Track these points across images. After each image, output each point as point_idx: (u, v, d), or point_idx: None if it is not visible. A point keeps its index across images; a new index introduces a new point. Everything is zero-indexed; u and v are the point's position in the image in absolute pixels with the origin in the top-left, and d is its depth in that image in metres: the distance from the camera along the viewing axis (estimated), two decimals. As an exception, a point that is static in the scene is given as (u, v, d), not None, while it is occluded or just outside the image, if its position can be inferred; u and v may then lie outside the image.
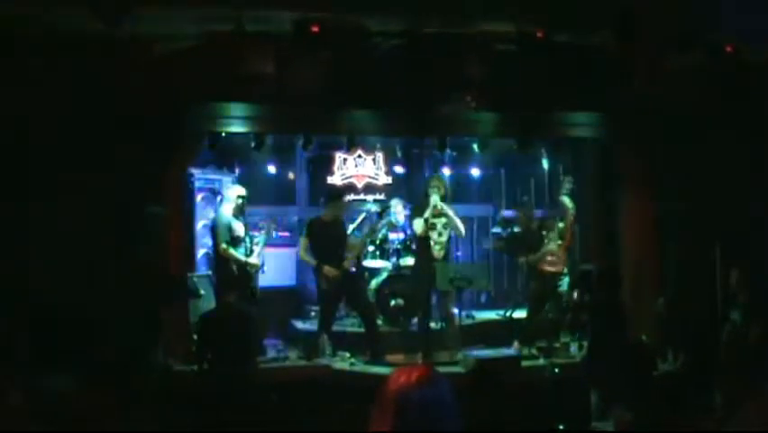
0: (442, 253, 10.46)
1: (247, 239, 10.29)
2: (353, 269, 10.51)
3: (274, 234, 10.97)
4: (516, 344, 10.50)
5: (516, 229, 11.91)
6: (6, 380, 5.42)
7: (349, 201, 11.54)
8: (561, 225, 10.47)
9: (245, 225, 10.38)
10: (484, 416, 8.16)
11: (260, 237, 10.50)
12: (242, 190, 10.44)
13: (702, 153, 10.51)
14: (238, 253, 10.09)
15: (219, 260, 10.23)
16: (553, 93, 10.13)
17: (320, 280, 10.32)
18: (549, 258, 10.50)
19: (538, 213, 12.02)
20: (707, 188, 10.45)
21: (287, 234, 12.24)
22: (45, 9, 8.29)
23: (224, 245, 10.07)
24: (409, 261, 11.63)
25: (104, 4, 7.17)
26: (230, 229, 10.15)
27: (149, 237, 9.46)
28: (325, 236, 10.34)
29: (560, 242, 10.49)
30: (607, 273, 9.00)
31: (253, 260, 10.28)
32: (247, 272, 10.14)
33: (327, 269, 10.19)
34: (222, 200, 11.01)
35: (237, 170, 12.04)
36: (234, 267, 10.08)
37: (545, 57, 9.61)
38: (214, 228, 10.33)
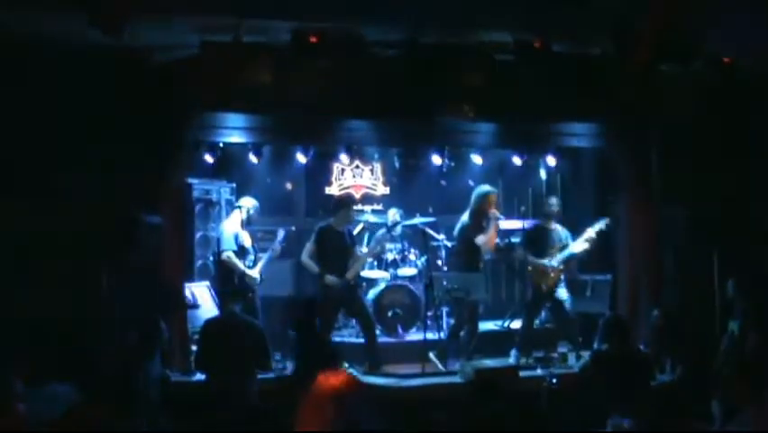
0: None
1: (252, 250, 10.33)
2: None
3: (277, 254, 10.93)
4: (514, 352, 10.51)
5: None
6: (7, 390, 5.42)
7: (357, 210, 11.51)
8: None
9: (252, 237, 10.42)
10: (482, 426, 8.15)
11: (266, 253, 10.56)
12: (254, 202, 10.51)
13: (701, 162, 10.54)
14: (242, 264, 10.11)
15: (220, 269, 10.25)
16: (551, 103, 10.14)
17: (320, 290, 10.31)
18: (547, 273, 10.55)
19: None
20: (705, 198, 10.47)
21: (284, 244, 12.20)
22: (45, 19, 8.30)
23: (228, 253, 10.09)
24: (407, 271, 11.65)
25: (103, 14, 7.17)
26: (236, 238, 10.18)
27: (146, 247, 9.45)
28: (334, 245, 10.34)
29: (554, 264, 10.54)
30: None
31: (254, 273, 10.29)
32: (247, 284, 10.13)
33: (328, 278, 10.18)
34: (226, 210, 11.06)
35: (235, 180, 12.04)
36: (235, 277, 10.09)
37: (544, 67, 9.63)
38: (218, 236, 10.37)
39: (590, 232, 10.55)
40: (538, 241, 10.72)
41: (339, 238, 10.41)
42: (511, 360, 10.33)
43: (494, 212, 10.46)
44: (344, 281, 10.27)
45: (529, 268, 10.75)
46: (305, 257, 10.53)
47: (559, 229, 10.79)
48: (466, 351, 10.33)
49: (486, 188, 10.81)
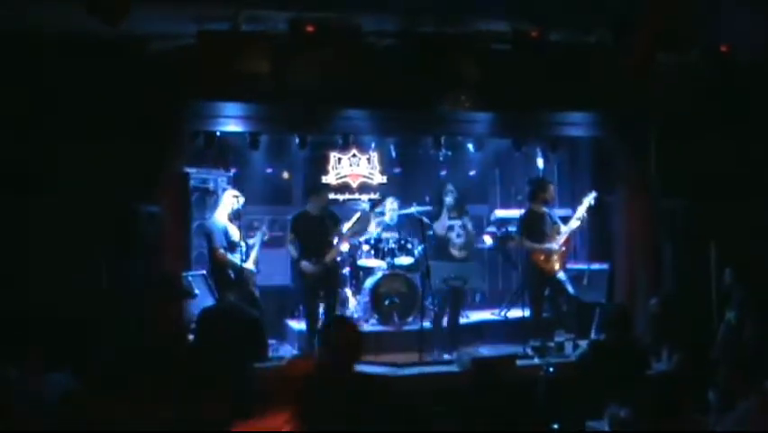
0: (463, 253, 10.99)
1: (242, 243, 10.27)
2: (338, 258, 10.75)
3: (266, 237, 10.90)
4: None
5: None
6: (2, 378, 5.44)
7: (329, 197, 11.53)
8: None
9: (240, 229, 10.35)
10: (479, 415, 8.17)
11: (255, 239, 10.51)
12: (236, 194, 10.43)
13: (698, 152, 10.54)
14: (234, 258, 10.06)
15: (215, 264, 10.22)
16: (548, 92, 10.13)
17: (297, 276, 10.38)
18: (549, 256, 10.53)
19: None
20: (703, 187, 10.47)
21: (281, 233, 12.22)
22: (41, 8, 8.28)
23: (221, 251, 10.04)
24: (404, 260, 11.65)
25: (102, 3, 7.15)
26: (226, 234, 10.12)
27: (144, 236, 9.44)
28: (309, 230, 10.38)
29: (555, 246, 10.51)
30: None
31: (249, 265, 10.25)
32: (244, 277, 10.09)
33: (303, 264, 10.21)
34: (216, 202, 11.01)
35: (232, 170, 12.03)
36: (231, 272, 10.05)
37: (541, 56, 9.62)
38: (209, 233, 10.31)
39: (581, 208, 10.56)
40: (535, 226, 10.69)
41: (314, 223, 10.44)
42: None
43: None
44: (322, 265, 10.29)
45: (533, 254, 10.70)
46: (287, 245, 10.62)
47: (549, 212, 10.79)
48: (449, 339, 10.35)
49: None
